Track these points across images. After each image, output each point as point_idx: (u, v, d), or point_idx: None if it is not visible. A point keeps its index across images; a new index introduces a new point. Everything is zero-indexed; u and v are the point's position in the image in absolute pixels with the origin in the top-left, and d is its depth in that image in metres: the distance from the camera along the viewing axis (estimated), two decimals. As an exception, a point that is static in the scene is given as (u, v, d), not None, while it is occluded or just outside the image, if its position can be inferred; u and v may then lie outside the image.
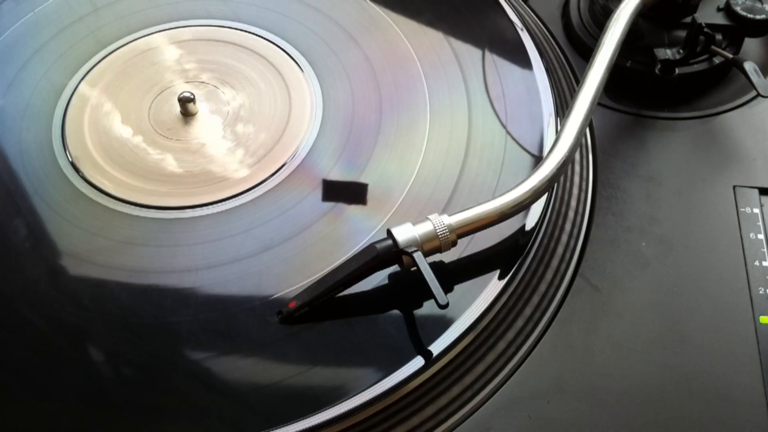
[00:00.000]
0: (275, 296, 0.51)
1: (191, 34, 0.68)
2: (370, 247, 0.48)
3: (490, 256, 0.53)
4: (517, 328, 0.51)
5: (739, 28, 0.63)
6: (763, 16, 0.62)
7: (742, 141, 0.61)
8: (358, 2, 0.69)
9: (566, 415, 0.48)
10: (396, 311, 0.50)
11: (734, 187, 0.58)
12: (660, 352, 0.50)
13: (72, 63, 0.66)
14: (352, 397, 0.46)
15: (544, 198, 0.54)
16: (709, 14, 0.63)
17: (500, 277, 0.51)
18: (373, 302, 0.51)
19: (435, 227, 0.48)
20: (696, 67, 0.63)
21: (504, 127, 0.60)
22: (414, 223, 0.49)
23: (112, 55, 0.67)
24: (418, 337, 0.49)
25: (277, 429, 0.45)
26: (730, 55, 0.62)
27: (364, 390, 0.46)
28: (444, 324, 0.49)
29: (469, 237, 0.51)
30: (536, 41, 0.65)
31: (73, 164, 0.59)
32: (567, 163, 0.52)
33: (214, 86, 0.64)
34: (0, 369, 0.48)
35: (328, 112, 0.62)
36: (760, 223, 0.56)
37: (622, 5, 0.60)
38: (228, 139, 0.61)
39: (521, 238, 0.53)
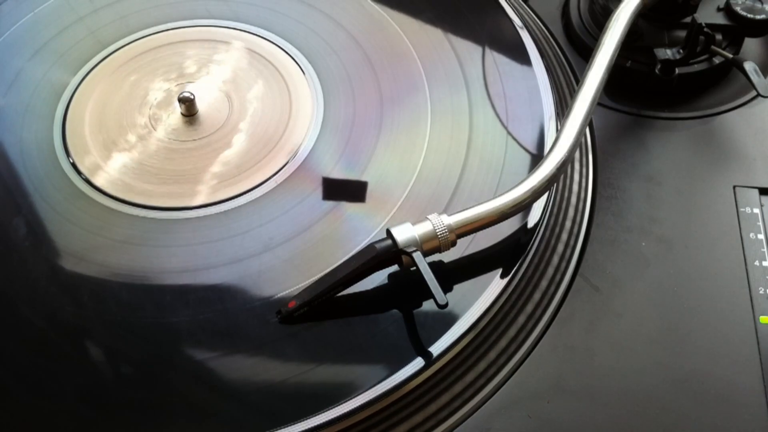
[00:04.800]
0: (275, 296, 0.51)
1: (191, 34, 0.68)
2: (370, 246, 0.48)
3: (490, 255, 0.53)
4: (517, 328, 0.51)
5: (739, 28, 0.63)
6: (763, 16, 0.62)
7: (742, 141, 0.61)
8: (359, 2, 0.69)
9: (566, 415, 0.48)
10: (396, 311, 0.50)
11: (734, 187, 0.58)
12: (660, 352, 0.50)
13: (72, 63, 0.66)
14: (353, 397, 0.46)
15: (543, 198, 0.54)
16: (709, 14, 0.63)
17: (500, 277, 0.51)
18: (373, 302, 0.50)
19: (434, 227, 0.48)
20: (696, 67, 0.63)
21: (504, 126, 0.60)
22: (413, 223, 0.49)
23: (113, 55, 0.67)
24: (418, 338, 0.49)
25: (277, 429, 0.45)
26: (730, 55, 0.62)
27: (364, 390, 0.46)
28: (444, 324, 0.49)
29: (470, 237, 0.51)
30: (536, 41, 0.65)
31: (73, 164, 0.59)
32: (567, 162, 0.52)
33: (215, 86, 0.64)
34: None
35: (329, 111, 0.62)
36: (760, 223, 0.56)
37: (622, 5, 0.60)
38: (228, 138, 0.61)
39: (521, 238, 0.53)
